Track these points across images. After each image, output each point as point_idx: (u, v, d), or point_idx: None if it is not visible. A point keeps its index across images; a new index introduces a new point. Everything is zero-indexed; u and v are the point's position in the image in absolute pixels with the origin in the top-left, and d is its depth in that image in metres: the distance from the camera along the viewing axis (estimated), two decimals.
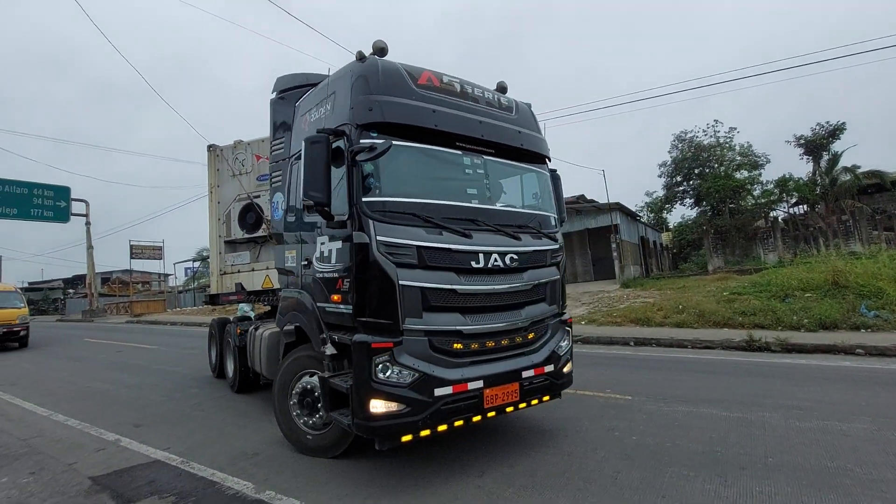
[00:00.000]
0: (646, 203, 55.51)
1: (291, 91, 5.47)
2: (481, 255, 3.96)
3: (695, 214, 43.96)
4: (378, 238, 3.64)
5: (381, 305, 3.63)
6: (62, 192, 30.17)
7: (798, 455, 3.92)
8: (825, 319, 10.43)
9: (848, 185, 31.64)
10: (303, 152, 3.81)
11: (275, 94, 5.74)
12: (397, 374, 3.55)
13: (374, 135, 3.84)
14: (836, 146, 33.22)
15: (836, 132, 33.16)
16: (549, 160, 5.06)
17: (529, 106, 5.10)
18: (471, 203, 4.20)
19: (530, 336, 4.25)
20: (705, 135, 36.75)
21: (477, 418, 3.88)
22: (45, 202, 29.36)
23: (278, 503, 3.50)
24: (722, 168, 36.42)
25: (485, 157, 4.40)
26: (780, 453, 3.97)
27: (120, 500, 3.67)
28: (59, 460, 4.59)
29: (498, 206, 4.42)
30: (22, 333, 14.80)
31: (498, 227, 4.17)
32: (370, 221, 3.67)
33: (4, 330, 14.23)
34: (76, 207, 31.14)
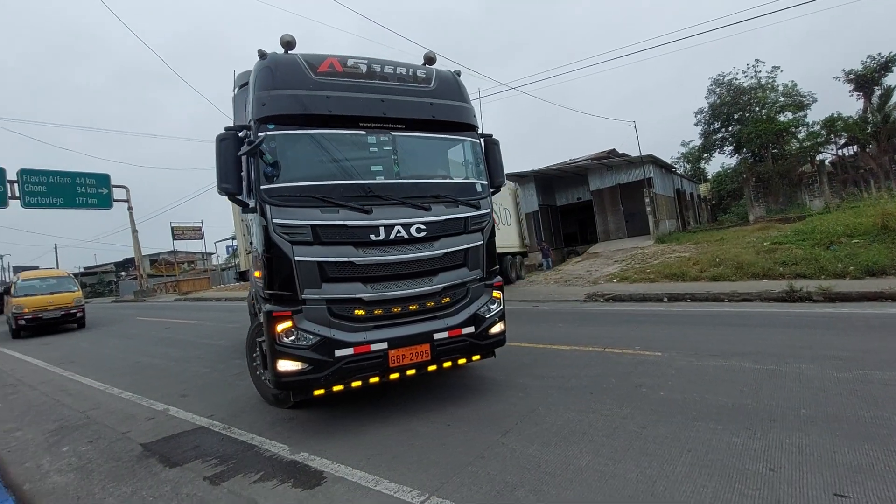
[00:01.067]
0: (682, 154, 53.07)
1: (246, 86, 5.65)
2: (382, 229, 4.26)
3: (734, 163, 41.89)
4: (274, 220, 4.07)
5: (282, 279, 4.11)
6: (103, 180, 31.44)
7: (833, 406, 3.79)
8: (872, 266, 9.88)
9: None
10: (214, 148, 4.15)
11: (236, 89, 5.95)
12: (299, 338, 4.06)
13: (272, 127, 4.21)
14: (890, 80, 30.53)
15: (889, 64, 30.40)
16: (475, 127, 5.11)
17: (457, 75, 5.17)
18: (374, 179, 4.49)
19: (445, 300, 4.55)
20: (745, 76, 34.38)
21: (394, 376, 4.35)
22: (89, 190, 30.68)
23: (311, 463, 3.67)
24: (764, 111, 34.20)
25: (393, 133, 4.62)
26: (815, 405, 3.85)
27: (167, 463, 3.94)
28: (113, 429, 4.96)
29: (403, 180, 4.62)
30: (79, 315, 15.85)
31: (403, 200, 4.43)
32: (267, 206, 4.10)
33: (63, 312, 15.27)
34: (117, 193, 32.44)
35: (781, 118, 33.74)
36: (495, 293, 4.91)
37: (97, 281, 56.98)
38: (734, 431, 3.51)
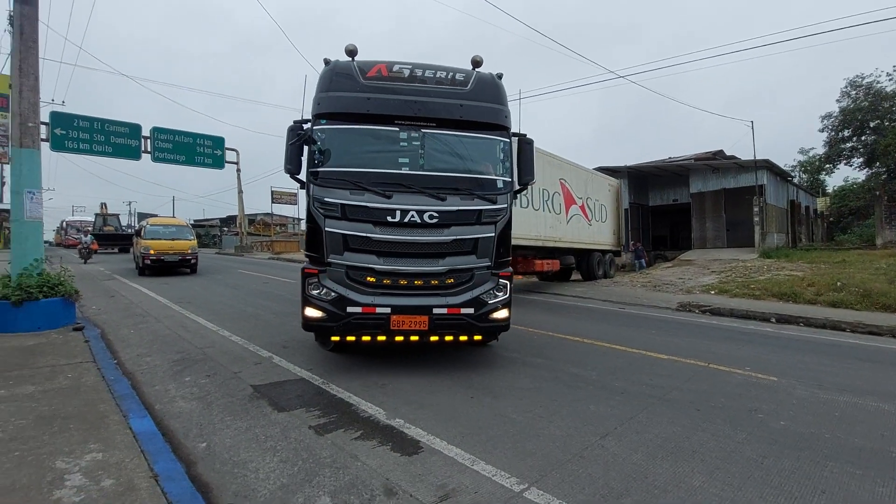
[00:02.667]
0: (799, 163, 47.87)
1: None
2: (398, 212, 4.95)
3: (863, 177, 37.03)
4: (314, 196, 5.06)
5: (315, 244, 5.14)
6: (218, 142, 34.46)
7: None
8: None
9: None
10: (285, 136, 5.20)
11: None
12: (322, 293, 5.02)
13: (324, 122, 5.22)
14: None
15: None
16: (506, 128, 5.51)
17: (497, 77, 5.63)
18: (400, 170, 5.22)
19: (449, 281, 5.11)
20: (889, 80, 29.90)
21: (381, 338, 5.07)
22: (206, 150, 33.78)
23: (407, 431, 3.77)
24: None
25: (424, 130, 5.27)
26: None
27: (275, 406, 4.25)
28: (227, 368, 5.45)
29: (424, 172, 5.22)
30: (192, 261, 17.68)
31: (421, 189, 5.06)
32: (311, 185, 5.11)
33: (180, 258, 17.11)
34: (229, 156, 35.41)
35: None
36: (502, 282, 5.30)
37: (204, 233, 63.07)
38: (878, 480, 3.09)
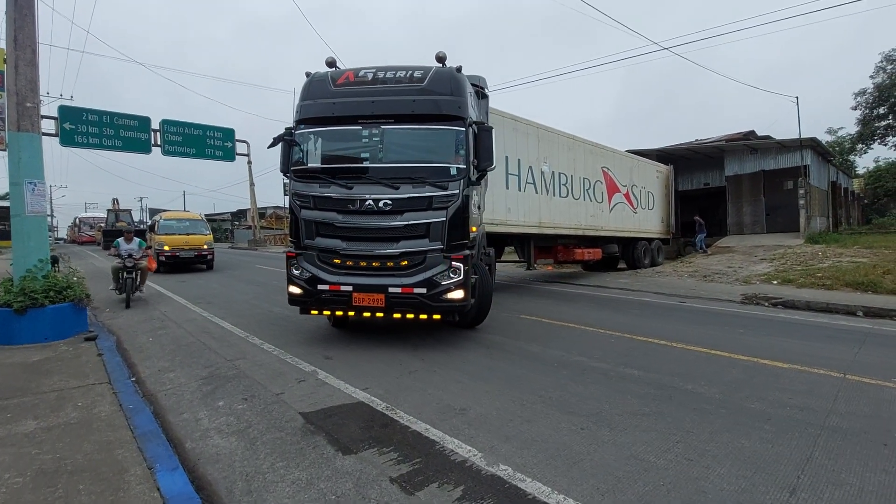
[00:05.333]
0: (827, 143, 46.08)
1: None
2: (357, 201, 5.61)
3: None
4: (292, 190, 6.00)
5: (294, 230, 6.02)
6: (228, 134, 33.63)
7: None
8: None
9: None
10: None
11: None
12: (300, 273, 5.84)
13: (303, 127, 6.06)
14: None
15: None
16: (461, 117, 5.75)
17: (455, 70, 5.98)
18: (361, 164, 5.96)
19: (403, 263, 5.57)
20: None
21: (351, 313, 5.83)
22: (216, 143, 33.00)
23: (522, 485, 2.81)
24: None
25: (384, 126, 5.80)
26: None
27: (338, 446, 3.32)
28: (266, 388, 4.53)
29: (381, 164, 5.81)
30: (209, 257, 16.86)
31: (378, 180, 5.66)
32: (290, 181, 6.04)
33: (196, 253, 16.29)
34: (239, 148, 34.61)
35: None
36: (454, 265, 5.56)
37: (216, 227, 62.64)
38: None
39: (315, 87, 6.07)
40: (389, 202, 5.55)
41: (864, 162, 43.45)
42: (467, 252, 5.74)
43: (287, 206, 5.79)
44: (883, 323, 7.89)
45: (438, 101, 5.76)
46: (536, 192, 11.58)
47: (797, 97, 20.54)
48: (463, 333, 6.64)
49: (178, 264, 15.95)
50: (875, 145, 36.47)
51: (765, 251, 17.83)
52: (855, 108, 34.11)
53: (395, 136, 5.87)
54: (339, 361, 5.38)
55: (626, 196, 15.07)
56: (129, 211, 39.90)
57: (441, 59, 6.04)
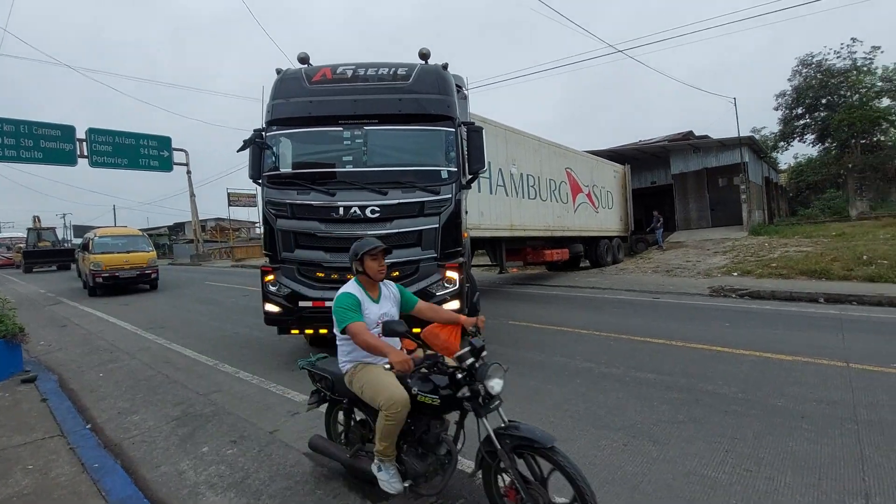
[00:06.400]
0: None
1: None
2: (341, 208, 5.14)
3: (815, 153, 38.52)
4: (266, 198, 5.40)
5: (270, 243, 5.43)
6: (164, 142, 31.36)
7: None
8: None
9: None
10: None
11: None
12: (278, 289, 5.33)
13: (275, 128, 5.48)
14: None
15: None
16: (450, 117, 5.41)
17: (442, 68, 5.62)
18: (345, 168, 5.50)
19: (394, 274, 4.94)
20: (838, 57, 30.88)
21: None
22: (151, 152, 30.62)
23: None
24: (856, 96, 30.75)
25: (366, 127, 5.36)
26: None
27: (363, 492, 2.85)
28: (255, 426, 3.95)
29: (366, 168, 5.38)
30: (153, 276, 15.42)
31: (363, 186, 5.21)
32: (263, 188, 5.44)
33: (138, 272, 14.82)
34: (177, 157, 32.37)
35: (878, 104, 30.26)
36: (449, 274, 5.25)
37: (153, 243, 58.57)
38: None
39: (288, 84, 5.54)
40: (377, 209, 5.14)
41: (786, 158, 47.00)
42: (461, 260, 5.44)
43: (259, 215, 5.33)
44: (846, 308, 8.27)
45: (427, 101, 5.40)
46: (507, 195, 11.41)
47: (735, 98, 21.80)
48: None
49: (118, 285, 14.45)
50: (795, 142, 39.59)
51: (714, 244, 18.69)
52: (776, 109, 36.77)
53: (381, 137, 5.47)
54: None
55: (589, 196, 15.31)
56: (52, 229, 36.31)
57: (425, 55, 5.65)
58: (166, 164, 31.69)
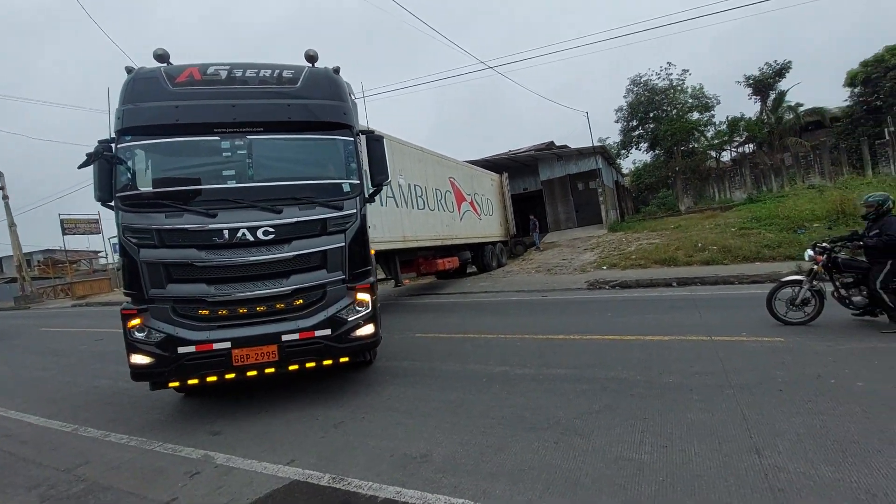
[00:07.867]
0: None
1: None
2: (225, 231, 4.42)
3: (648, 158, 45.07)
4: (123, 225, 4.45)
5: (132, 279, 4.47)
6: None
7: None
8: None
9: (791, 123, 33.08)
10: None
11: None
12: (147, 335, 4.39)
13: (129, 138, 4.57)
14: (783, 84, 34.35)
15: (783, 71, 34.19)
16: (348, 126, 5.05)
17: (333, 71, 5.16)
18: (227, 184, 4.68)
19: (297, 302, 4.61)
20: (658, 77, 36.98)
21: (230, 375, 4.43)
22: None
23: None
24: (674, 111, 36.99)
25: (250, 137, 4.72)
26: None
27: None
28: (146, 498, 3.31)
29: (254, 184, 4.69)
30: None
31: (252, 204, 4.54)
32: (119, 212, 4.48)
33: None
34: None
35: (691, 118, 36.76)
36: (360, 296, 4.85)
37: None
38: None
39: (144, 86, 4.63)
40: (271, 229, 4.53)
41: (626, 164, 54.34)
42: (371, 280, 5.11)
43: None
44: (694, 289, 9.73)
45: (319, 107, 4.93)
46: (397, 206, 11.39)
47: (587, 112, 24.68)
48: (365, 367, 5.98)
49: None
50: (633, 150, 46.05)
51: (582, 242, 20.78)
52: (617, 122, 42.40)
53: (269, 148, 4.87)
54: (235, 434, 4.28)
55: (472, 204, 15.98)
56: None
57: (312, 58, 5.14)
58: None
